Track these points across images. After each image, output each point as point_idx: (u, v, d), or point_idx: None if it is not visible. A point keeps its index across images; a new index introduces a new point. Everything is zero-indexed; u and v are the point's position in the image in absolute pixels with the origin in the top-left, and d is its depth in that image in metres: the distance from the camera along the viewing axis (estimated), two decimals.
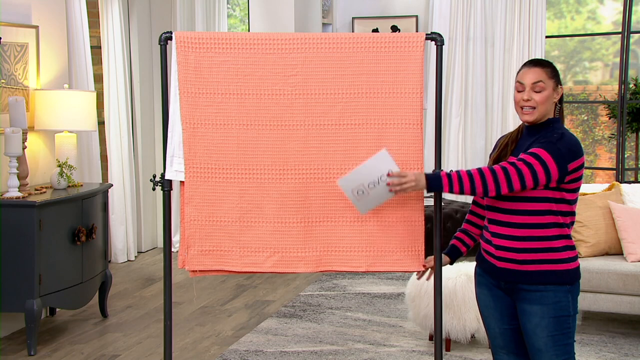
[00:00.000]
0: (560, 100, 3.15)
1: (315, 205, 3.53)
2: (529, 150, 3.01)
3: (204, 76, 3.49)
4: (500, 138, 3.29)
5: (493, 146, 3.32)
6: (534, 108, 3.06)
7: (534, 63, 3.11)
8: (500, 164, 3.01)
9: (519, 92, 3.10)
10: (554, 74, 3.10)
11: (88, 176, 6.76)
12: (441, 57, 3.48)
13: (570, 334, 3.07)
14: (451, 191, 2.98)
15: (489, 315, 3.24)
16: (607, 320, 5.61)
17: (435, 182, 3.00)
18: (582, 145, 3.13)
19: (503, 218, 3.08)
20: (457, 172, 2.99)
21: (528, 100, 3.06)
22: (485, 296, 3.24)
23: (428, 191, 3.03)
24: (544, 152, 2.97)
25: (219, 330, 5.50)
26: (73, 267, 5.36)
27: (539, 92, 3.06)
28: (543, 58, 3.25)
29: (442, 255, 3.40)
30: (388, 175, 3.07)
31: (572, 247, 3.08)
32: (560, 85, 3.13)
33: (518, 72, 3.14)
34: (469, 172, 2.98)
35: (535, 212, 3.03)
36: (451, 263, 3.42)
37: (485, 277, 3.22)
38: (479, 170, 2.99)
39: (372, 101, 3.49)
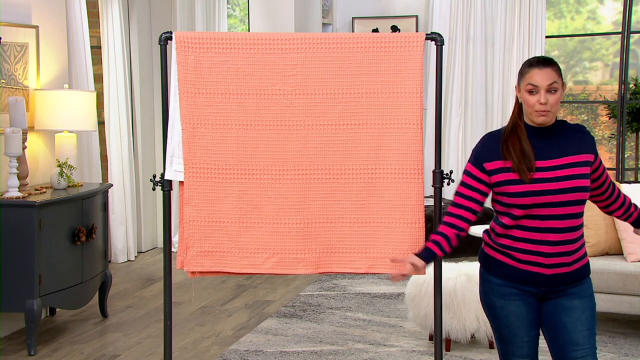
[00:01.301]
0: None
1: (315, 206, 3.52)
2: (600, 157, 3.11)
3: (204, 76, 3.49)
4: (488, 140, 3.09)
5: (481, 145, 3.10)
6: (549, 110, 2.96)
7: (543, 63, 2.97)
8: (625, 196, 3.21)
9: (531, 94, 2.96)
10: (560, 72, 3.02)
11: (88, 176, 6.76)
12: (441, 57, 3.48)
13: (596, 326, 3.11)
14: None
15: (519, 326, 3.10)
16: (607, 320, 5.61)
17: None
18: None
19: (564, 224, 2.99)
20: None
21: (545, 103, 2.95)
22: (516, 307, 3.09)
23: None
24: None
25: (219, 330, 5.50)
26: (73, 267, 5.36)
27: (554, 93, 2.96)
28: (545, 56, 3.18)
29: (417, 258, 3.06)
30: None
31: None
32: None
33: (524, 73, 2.99)
34: None
35: (580, 215, 3.04)
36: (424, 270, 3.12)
37: (516, 286, 3.07)
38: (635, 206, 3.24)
39: (372, 101, 3.49)
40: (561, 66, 3.06)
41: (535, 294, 3.09)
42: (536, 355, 3.18)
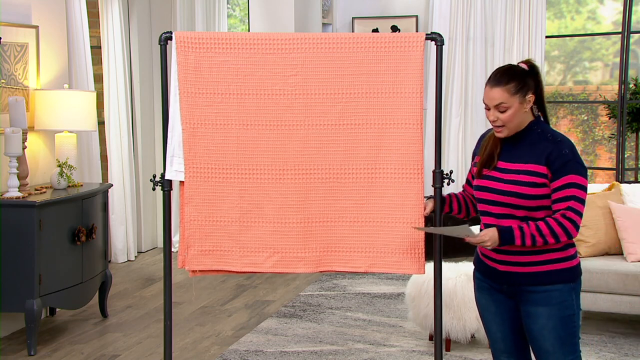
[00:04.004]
0: (539, 99, 3.08)
1: (315, 205, 3.52)
2: (567, 181, 2.94)
3: (204, 76, 3.49)
4: (483, 136, 3.23)
5: (476, 142, 3.31)
6: (503, 126, 3.03)
7: (494, 82, 3.00)
8: (560, 214, 2.95)
9: (486, 110, 3.05)
10: (518, 87, 2.99)
11: (88, 176, 6.76)
12: (441, 57, 3.48)
13: (576, 332, 3.07)
14: (523, 244, 2.97)
15: (490, 320, 3.22)
16: (607, 320, 5.61)
17: (506, 234, 2.98)
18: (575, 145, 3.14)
19: (500, 223, 3.06)
20: (528, 225, 2.97)
21: (495, 120, 3.03)
22: (485, 300, 3.22)
23: (501, 244, 3.00)
24: (578, 177, 2.95)
25: (219, 330, 5.50)
26: (73, 267, 5.36)
27: (504, 112, 3.01)
28: (512, 64, 3.10)
29: (428, 200, 3.43)
30: (465, 240, 3.06)
31: (572, 245, 3.07)
32: (530, 92, 3.01)
33: (486, 85, 3.04)
34: (537, 227, 2.96)
35: (533, 219, 3.03)
36: (433, 211, 3.40)
37: (486, 281, 3.20)
38: (546, 223, 2.96)
39: (372, 101, 3.49)
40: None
41: (501, 290, 3.15)
42: (518, 353, 3.22)
